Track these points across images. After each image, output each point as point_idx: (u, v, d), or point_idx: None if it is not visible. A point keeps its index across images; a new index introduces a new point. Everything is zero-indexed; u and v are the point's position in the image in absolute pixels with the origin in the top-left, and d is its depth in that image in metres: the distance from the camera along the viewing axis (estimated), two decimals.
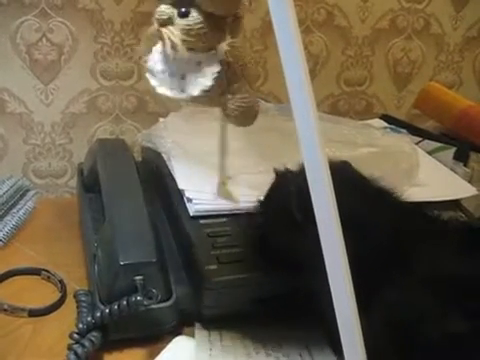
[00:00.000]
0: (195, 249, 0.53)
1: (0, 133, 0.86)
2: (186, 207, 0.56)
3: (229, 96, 0.38)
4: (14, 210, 0.70)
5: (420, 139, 0.75)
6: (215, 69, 0.37)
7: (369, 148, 0.65)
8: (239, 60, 0.37)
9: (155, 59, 0.37)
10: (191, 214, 0.55)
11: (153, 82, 0.38)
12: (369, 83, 1.02)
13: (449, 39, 1.05)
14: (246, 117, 0.40)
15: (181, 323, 0.52)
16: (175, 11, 0.37)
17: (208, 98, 0.38)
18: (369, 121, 0.83)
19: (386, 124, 0.81)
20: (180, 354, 0.48)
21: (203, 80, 0.37)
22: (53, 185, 0.91)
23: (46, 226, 0.72)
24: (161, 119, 0.74)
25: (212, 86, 0.37)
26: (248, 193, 0.57)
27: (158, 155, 0.62)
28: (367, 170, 0.62)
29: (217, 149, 0.51)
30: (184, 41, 0.36)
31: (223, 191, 0.48)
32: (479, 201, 0.70)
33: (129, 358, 0.51)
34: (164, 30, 0.36)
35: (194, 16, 0.37)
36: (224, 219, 0.56)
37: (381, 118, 0.84)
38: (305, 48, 0.94)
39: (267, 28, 0.89)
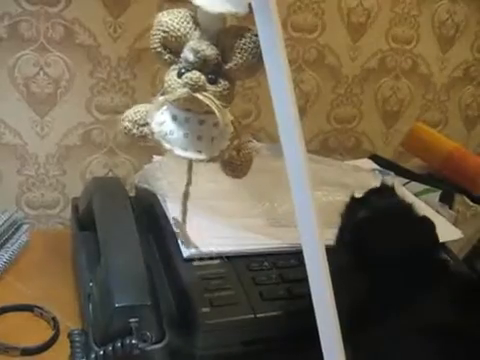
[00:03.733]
0: (188, 292, 0.54)
1: None
2: (180, 249, 0.57)
3: (234, 152, 0.40)
4: (8, 245, 0.71)
5: (407, 181, 0.77)
6: (230, 129, 0.38)
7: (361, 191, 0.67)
8: (237, 119, 0.39)
9: (162, 121, 0.38)
10: (184, 256, 0.57)
11: (166, 145, 0.39)
12: (358, 121, 1.05)
13: (436, 79, 1.09)
14: (246, 171, 0.42)
15: None
16: (204, 77, 0.37)
17: (221, 156, 0.39)
18: (358, 161, 0.85)
19: (375, 165, 0.84)
20: None
21: (221, 141, 0.39)
22: (45, 216, 0.92)
23: (39, 260, 0.73)
24: (155, 156, 0.75)
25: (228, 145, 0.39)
26: (244, 236, 0.59)
27: (153, 195, 0.64)
28: None
29: (212, 192, 0.53)
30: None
31: (183, 235, 0.49)
32: (464, 243, 0.73)
33: None
34: (202, 96, 0.37)
35: (222, 82, 0.38)
36: (217, 261, 0.58)
37: (370, 158, 0.86)
38: (296, 86, 0.98)
39: (134, 56, 0.89)
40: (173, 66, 0.39)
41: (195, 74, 0.37)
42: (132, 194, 0.75)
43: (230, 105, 0.38)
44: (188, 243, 0.49)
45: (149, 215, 0.65)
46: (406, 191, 0.74)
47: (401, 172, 0.80)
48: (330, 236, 0.62)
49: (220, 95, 0.38)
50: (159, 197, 0.64)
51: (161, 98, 0.39)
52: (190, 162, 0.43)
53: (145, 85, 0.90)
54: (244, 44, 0.37)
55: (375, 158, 0.86)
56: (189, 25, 0.38)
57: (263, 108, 0.95)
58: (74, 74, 0.87)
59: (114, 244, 0.56)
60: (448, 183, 0.77)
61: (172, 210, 0.61)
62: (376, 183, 0.73)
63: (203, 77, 0.37)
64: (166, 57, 0.39)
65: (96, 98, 0.89)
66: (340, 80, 1.01)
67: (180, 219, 0.46)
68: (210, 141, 0.39)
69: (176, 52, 0.39)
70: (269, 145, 0.79)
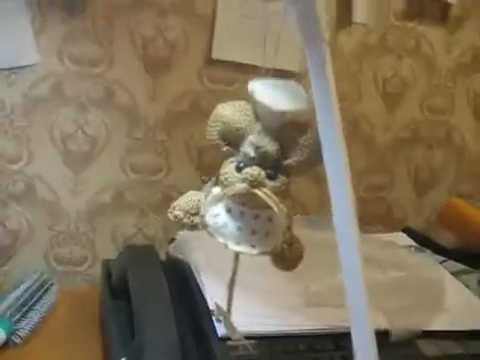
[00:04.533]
0: None
1: (27, 217, 0.88)
2: (215, 328, 0.56)
3: (285, 246, 0.39)
4: (37, 306, 0.70)
5: (444, 259, 0.75)
6: (284, 224, 0.37)
7: (396, 271, 0.65)
8: (289, 211, 0.39)
9: (216, 213, 0.38)
10: (219, 335, 0.55)
11: (220, 239, 0.38)
12: (390, 189, 1.04)
13: (470, 149, 1.08)
14: (298, 263, 0.41)
15: None
16: (264, 173, 0.37)
17: (273, 250, 0.38)
18: (392, 235, 0.84)
19: (408, 238, 0.82)
20: None
21: (275, 236, 0.38)
22: (72, 272, 0.91)
23: (65, 323, 0.72)
24: None
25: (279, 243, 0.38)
26: (280, 315, 0.57)
27: (187, 267, 0.63)
28: (394, 294, 0.63)
29: (245, 265, 0.52)
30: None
31: (227, 324, 0.47)
32: None
33: None
34: (262, 193, 0.36)
35: (280, 178, 0.37)
36: (253, 341, 0.56)
37: (403, 231, 0.84)
38: None
39: (171, 118, 0.89)
40: (231, 158, 0.38)
41: (255, 170, 0.36)
42: (162, 258, 0.74)
43: (286, 201, 0.38)
44: (233, 333, 0.47)
45: (182, 287, 0.63)
46: (443, 270, 0.72)
47: (438, 249, 0.78)
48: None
49: (278, 191, 0.37)
50: (193, 269, 0.63)
51: (218, 192, 0.38)
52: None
53: (180, 148, 0.90)
54: (305, 140, 0.37)
55: (409, 232, 0.84)
56: (249, 118, 0.38)
57: (174, 163, 0.91)
58: (111, 133, 0.87)
59: (149, 322, 0.54)
60: None
61: (206, 282, 0.60)
62: (411, 260, 0.71)
63: (263, 173, 0.36)
64: (224, 149, 0.38)
65: (131, 157, 0.89)
66: (372, 149, 1.01)
67: (224, 307, 0.45)
68: (265, 236, 0.38)
69: (235, 145, 0.38)
70: (301, 217, 0.78)
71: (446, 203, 0.89)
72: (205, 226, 0.38)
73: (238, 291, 0.56)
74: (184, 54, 0.87)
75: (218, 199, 0.37)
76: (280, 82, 0.37)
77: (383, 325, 0.60)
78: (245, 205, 0.37)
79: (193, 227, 0.40)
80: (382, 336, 0.60)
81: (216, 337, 0.56)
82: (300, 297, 0.61)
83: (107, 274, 0.68)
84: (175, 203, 0.42)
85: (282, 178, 0.37)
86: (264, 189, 0.36)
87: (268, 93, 0.36)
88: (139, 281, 0.59)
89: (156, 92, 0.88)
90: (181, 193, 0.43)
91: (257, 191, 0.36)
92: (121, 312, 0.61)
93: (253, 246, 0.38)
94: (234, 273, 0.42)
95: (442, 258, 0.76)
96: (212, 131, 0.38)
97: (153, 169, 0.90)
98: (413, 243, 0.81)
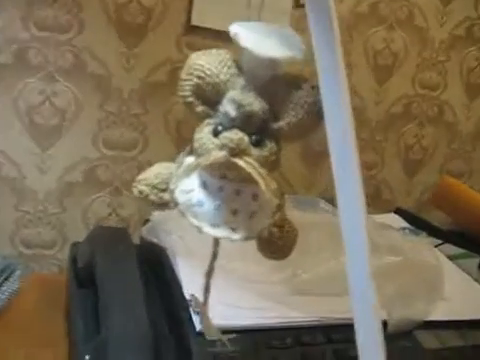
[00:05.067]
0: None
1: None
2: (192, 321, 0.48)
3: (275, 230, 0.31)
4: None
5: (440, 242, 0.68)
6: (274, 203, 0.30)
7: (392, 256, 0.59)
8: (280, 188, 0.31)
9: (189, 188, 0.30)
10: (197, 330, 0.48)
11: (193, 220, 0.30)
12: (380, 168, 0.97)
13: (461, 127, 1.01)
14: (289, 252, 0.33)
15: None
16: (248, 139, 0.29)
17: (260, 235, 0.31)
18: (383, 216, 0.77)
19: (401, 220, 0.75)
20: None
21: (262, 218, 0.30)
22: (41, 256, 0.83)
23: (29, 313, 0.64)
24: None
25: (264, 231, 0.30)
26: (264, 306, 0.50)
27: (162, 251, 0.55)
28: (391, 282, 0.56)
29: (227, 251, 0.45)
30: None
31: (203, 319, 0.40)
32: None
33: None
34: (244, 162, 0.28)
35: (269, 145, 0.29)
36: (233, 335, 0.49)
37: (396, 212, 0.78)
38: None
39: (147, 89, 0.81)
40: (207, 120, 0.30)
41: (237, 134, 0.28)
42: (137, 242, 0.66)
43: (276, 171, 0.30)
44: (208, 329, 0.40)
45: (157, 274, 0.56)
46: (440, 254, 0.65)
47: (432, 231, 0.71)
48: None
49: (265, 161, 0.29)
50: (168, 254, 0.55)
51: (191, 161, 0.30)
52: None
53: (157, 122, 0.82)
54: (300, 98, 0.29)
55: (401, 212, 0.78)
56: (231, 70, 0.29)
57: (151, 139, 0.83)
58: (81, 106, 0.79)
59: (116, 312, 0.47)
60: None
61: (183, 269, 0.53)
62: (406, 244, 0.64)
63: (246, 138, 0.28)
64: (199, 109, 0.30)
65: (103, 132, 0.81)
66: (363, 124, 0.93)
67: (201, 298, 0.37)
68: (248, 217, 0.30)
69: (212, 103, 0.30)
70: (289, 197, 0.70)
71: (439, 183, 0.82)
72: (175, 204, 0.30)
73: (217, 279, 0.49)
74: (161, 20, 0.79)
75: (191, 170, 0.29)
76: (271, 26, 0.29)
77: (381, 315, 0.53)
78: (224, 178, 0.29)
79: (162, 206, 0.32)
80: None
81: (193, 331, 0.48)
82: (286, 285, 0.54)
83: (74, 259, 0.60)
84: (140, 176, 0.34)
85: (271, 145, 0.29)
86: (248, 158, 0.28)
87: (255, 38, 0.28)
88: (107, 267, 0.51)
89: (131, 61, 0.80)
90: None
91: (239, 161, 0.28)
92: (88, 302, 0.53)
93: (234, 229, 0.30)
94: (213, 260, 0.35)
95: (438, 241, 0.69)
96: (184, 86, 0.30)
97: (128, 145, 0.82)
98: (406, 224, 0.74)
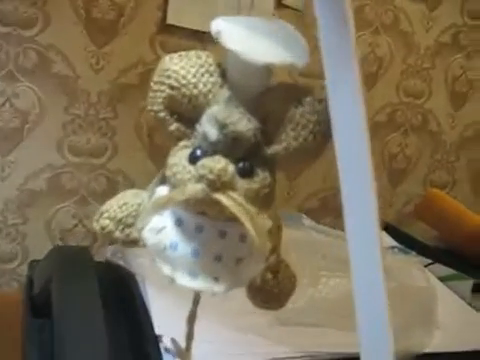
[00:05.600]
0: None
1: None
2: (162, 359, 0.42)
3: (269, 276, 0.24)
4: None
5: (430, 262, 0.63)
6: (267, 248, 0.23)
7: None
8: (278, 225, 0.24)
9: (160, 226, 0.23)
10: None
11: (164, 267, 0.23)
12: None
13: (446, 137, 0.97)
14: (286, 300, 0.27)
15: None
16: (233, 168, 0.22)
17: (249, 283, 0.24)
18: None
19: (390, 238, 0.70)
20: None
21: (252, 264, 0.23)
22: None
23: None
24: None
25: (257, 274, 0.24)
26: (249, 340, 0.44)
27: (130, 276, 0.48)
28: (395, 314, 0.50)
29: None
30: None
31: None
32: None
33: None
34: (227, 199, 0.21)
35: (260, 175, 0.22)
36: None
37: (385, 229, 0.72)
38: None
39: (117, 92, 0.74)
40: (183, 142, 0.23)
41: (219, 162, 0.21)
42: (102, 259, 0.59)
43: (270, 209, 0.23)
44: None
45: (123, 300, 0.49)
46: (432, 277, 0.60)
47: (421, 249, 0.66)
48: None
49: (255, 195, 0.22)
50: (137, 279, 0.48)
51: (163, 193, 0.23)
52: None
53: (128, 127, 0.75)
54: (302, 115, 0.22)
55: (390, 230, 0.72)
56: (212, 79, 0.23)
57: (121, 145, 0.75)
58: (45, 108, 0.71)
59: (73, 347, 0.40)
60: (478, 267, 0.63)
61: (153, 299, 0.46)
62: (398, 267, 0.59)
63: (231, 167, 0.21)
64: (173, 127, 0.23)
65: (69, 138, 0.73)
66: None
67: (181, 344, 0.30)
68: (234, 264, 0.23)
69: (189, 120, 0.23)
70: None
71: (425, 194, 0.77)
72: (144, 244, 0.24)
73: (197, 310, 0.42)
74: (133, 17, 0.72)
75: (161, 206, 0.23)
76: (263, 22, 0.22)
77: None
78: (204, 216, 0.23)
79: (129, 244, 0.26)
80: None
81: None
82: (265, 315, 0.48)
83: (30, 283, 0.53)
84: (103, 207, 0.27)
85: (263, 175, 0.23)
86: (232, 193, 0.21)
87: (243, 37, 0.21)
88: (64, 297, 0.44)
89: (100, 61, 0.73)
90: (129, 180, 0.28)
91: (221, 197, 0.21)
92: (44, 337, 0.46)
93: (216, 279, 0.23)
94: (195, 304, 0.28)
95: (427, 260, 0.64)
96: (155, 98, 0.23)
97: (96, 151, 0.75)
98: (394, 242, 0.68)
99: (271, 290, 0.25)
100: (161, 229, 0.23)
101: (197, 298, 0.29)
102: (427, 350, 0.50)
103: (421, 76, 0.92)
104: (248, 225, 0.21)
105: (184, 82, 0.22)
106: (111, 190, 0.76)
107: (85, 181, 0.75)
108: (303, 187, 0.86)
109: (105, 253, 0.54)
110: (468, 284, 0.60)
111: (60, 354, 0.41)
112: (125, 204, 0.26)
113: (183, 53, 0.23)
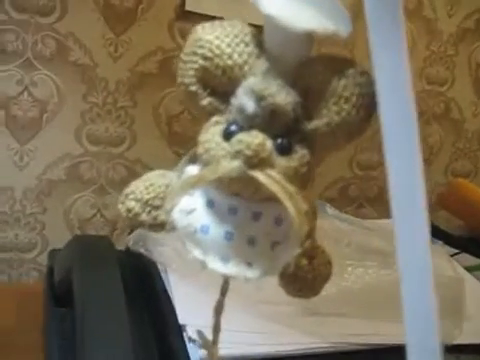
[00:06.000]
0: None
1: None
2: (186, 349, 0.40)
3: (304, 261, 0.23)
4: None
5: (456, 251, 0.61)
6: (303, 229, 0.21)
7: None
8: (314, 208, 0.23)
9: (191, 208, 0.21)
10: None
11: (195, 251, 0.21)
12: (383, 168, 0.89)
13: (468, 125, 0.94)
14: (321, 287, 0.25)
15: None
16: (271, 143, 0.20)
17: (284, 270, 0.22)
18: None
19: None
20: None
21: (288, 248, 0.21)
22: (18, 260, 0.75)
23: (8, 330, 0.56)
24: None
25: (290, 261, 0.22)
26: (272, 330, 0.43)
27: (152, 265, 0.47)
28: None
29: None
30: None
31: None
32: None
33: None
34: (265, 177, 0.20)
35: (299, 152, 0.21)
36: None
37: None
38: None
39: (136, 80, 0.72)
40: (216, 118, 0.22)
41: (256, 137, 0.20)
42: (123, 248, 0.58)
43: (306, 189, 0.21)
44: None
45: (145, 290, 0.48)
46: (458, 267, 0.58)
47: (447, 239, 0.64)
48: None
49: (295, 174, 0.20)
50: (160, 268, 0.47)
51: (193, 172, 0.22)
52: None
53: (147, 116, 0.74)
54: (345, 88, 0.20)
55: None
56: (249, 49, 0.21)
57: (139, 134, 0.74)
58: (64, 97, 0.70)
59: (95, 337, 0.39)
60: None
61: (176, 289, 0.45)
62: None
63: (269, 143, 0.20)
64: (205, 101, 0.21)
65: (88, 126, 0.72)
66: None
67: (210, 336, 0.29)
68: (269, 248, 0.21)
69: (223, 94, 0.21)
70: None
71: (448, 183, 0.75)
72: (173, 227, 0.22)
73: (214, 299, 0.41)
74: (152, 4, 0.71)
75: (192, 185, 0.21)
76: None
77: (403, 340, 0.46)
78: (238, 196, 0.21)
79: (157, 227, 0.24)
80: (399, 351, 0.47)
81: None
82: (299, 305, 0.46)
83: (51, 271, 0.52)
84: (129, 188, 0.26)
85: (302, 152, 0.21)
86: (270, 171, 0.20)
87: (282, 2, 0.20)
88: (86, 286, 0.43)
89: (118, 49, 0.71)
90: (147, 169, 0.27)
91: (258, 174, 0.20)
92: (65, 326, 0.45)
93: (249, 264, 0.21)
94: (223, 294, 0.26)
95: (453, 250, 0.62)
96: (186, 70, 0.22)
97: (114, 140, 0.74)
98: None
99: (305, 276, 0.23)
100: (191, 211, 0.21)
101: (225, 287, 0.27)
102: (456, 342, 0.48)
103: (444, 63, 0.89)
104: (288, 204, 0.19)
105: (218, 52, 0.21)
106: (130, 179, 0.74)
107: (104, 170, 0.74)
108: (325, 175, 0.85)
109: (126, 242, 0.53)
110: None
111: (81, 343, 0.40)
112: (152, 185, 0.24)
113: (217, 22, 0.22)
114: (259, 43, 0.21)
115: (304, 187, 0.21)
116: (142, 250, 0.49)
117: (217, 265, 0.21)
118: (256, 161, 0.19)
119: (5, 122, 0.69)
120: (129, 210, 0.24)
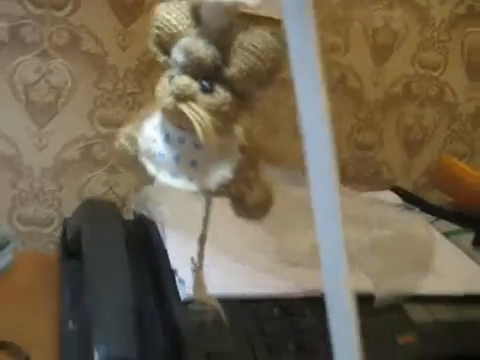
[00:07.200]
0: (184, 342, 0.45)
1: None
2: (177, 290, 0.48)
3: (245, 188, 0.30)
4: None
5: (434, 218, 0.67)
6: (235, 157, 0.29)
7: (384, 230, 0.58)
8: (255, 144, 0.30)
9: (154, 138, 0.29)
10: (182, 298, 0.47)
11: (151, 168, 0.30)
12: (378, 148, 0.96)
13: (462, 109, 0.99)
14: (263, 212, 0.32)
15: None
16: (196, 85, 0.28)
17: (224, 191, 0.30)
18: (380, 193, 0.76)
19: (397, 197, 0.74)
20: None
21: (222, 171, 0.29)
22: (37, 234, 0.83)
23: (22, 286, 0.64)
24: None
25: (231, 178, 0.30)
26: (252, 275, 0.50)
27: (152, 224, 0.55)
28: (380, 255, 0.55)
29: (215, 220, 0.44)
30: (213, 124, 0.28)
31: (198, 290, 0.39)
32: None
33: None
34: (187, 107, 0.28)
35: (221, 93, 0.28)
36: (220, 306, 0.48)
37: (392, 190, 0.77)
38: None
39: (143, 69, 0.80)
40: (168, 71, 0.30)
41: (183, 80, 0.28)
42: (130, 217, 0.66)
43: (232, 124, 0.29)
44: (201, 294, 0.39)
45: (145, 245, 0.55)
46: (434, 229, 0.64)
47: (428, 208, 0.70)
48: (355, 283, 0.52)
49: (217, 109, 0.28)
50: (158, 225, 0.54)
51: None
52: (208, 199, 0.33)
53: (153, 101, 0.81)
54: (250, 42, 0.28)
55: (397, 190, 0.77)
56: (188, 21, 0.29)
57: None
58: (77, 83, 0.78)
59: (101, 282, 0.46)
60: None
61: (171, 241, 0.52)
62: (399, 219, 0.63)
63: (194, 84, 0.28)
64: (161, 59, 0.30)
65: (99, 110, 0.80)
66: (361, 104, 0.92)
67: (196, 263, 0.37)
68: (206, 170, 0.29)
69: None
70: (284, 171, 0.69)
71: (439, 161, 0.81)
72: (138, 150, 0.30)
73: (213, 252, 0.48)
74: None
75: (147, 114, 0.29)
76: None
77: (366, 288, 0.52)
78: (184, 130, 0.29)
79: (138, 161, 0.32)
80: (366, 300, 0.53)
81: (178, 301, 0.48)
82: (276, 255, 0.53)
83: (65, 232, 0.60)
84: (122, 129, 0.33)
85: (224, 94, 0.29)
86: (192, 104, 0.28)
87: None
88: (92, 237, 0.50)
89: (126, 40, 0.79)
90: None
91: (183, 106, 0.28)
92: (75, 272, 0.52)
93: (191, 180, 0.29)
94: (204, 226, 0.34)
95: (433, 217, 0.68)
96: (150, 38, 0.30)
97: (124, 123, 0.81)
98: (402, 202, 0.73)
99: (247, 202, 0.31)
100: (154, 141, 0.29)
101: (206, 219, 0.34)
102: (421, 292, 0.54)
103: (437, 48, 0.95)
104: (197, 126, 0.27)
105: (166, 24, 0.29)
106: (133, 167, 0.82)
107: (114, 151, 0.82)
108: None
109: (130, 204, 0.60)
110: (469, 237, 0.63)
111: (88, 286, 0.48)
112: (140, 124, 0.32)
113: (171, 1, 0.29)
114: (197, 16, 0.29)
115: (228, 121, 0.28)
116: (143, 211, 0.56)
117: (167, 179, 0.29)
118: (183, 97, 0.27)
119: (25, 107, 0.77)
120: (120, 145, 0.32)
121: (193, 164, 0.29)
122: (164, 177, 0.29)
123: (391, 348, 0.50)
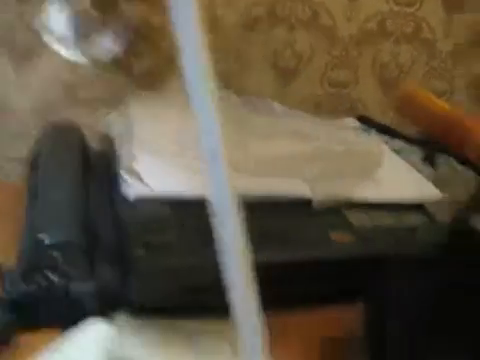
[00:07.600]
0: (126, 234, 0.49)
1: None
2: (126, 190, 0.53)
3: (134, 60, 0.34)
4: None
5: (388, 138, 0.70)
6: (123, 31, 0.33)
7: (333, 145, 0.61)
8: (145, 20, 0.34)
9: (52, 12, 0.33)
10: (129, 198, 0.52)
11: (47, 38, 0.34)
12: (354, 86, 0.98)
13: (441, 45, 1.00)
14: (152, 81, 0.36)
15: (104, 309, 0.49)
16: None
17: (112, 63, 0.34)
18: (343, 119, 0.79)
19: (359, 123, 0.77)
20: (92, 337, 0.45)
21: (110, 44, 0.33)
22: None
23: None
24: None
25: (120, 50, 0.34)
26: (192, 178, 0.54)
27: (111, 140, 0.60)
28: (320, 163, 0.59)
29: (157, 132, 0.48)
30: None
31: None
32: (445, 206, 0.65)
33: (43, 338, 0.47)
34: None
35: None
36: (166, 207, 0.53)
37: (358, 119, 0.80)
38: (289, 46, 0.92)
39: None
40: None
41: None
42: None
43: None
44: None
45: (103, 159, 0.60)
46: (385, 146, 0.68)
47: (384, 130, 0.73)
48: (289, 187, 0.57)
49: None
50: (116, 141, 0.60)
51: None
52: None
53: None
54: None
55: (362, 119, 0.80)
56: None
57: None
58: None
59: (52, 182, 0.52)
60: (434, 144, 0.70)
61: (123, 151, 0.57)
62: (350, 136, 0.67)
63: None
64: None
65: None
66: (335, 41, 0.95)
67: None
68: (100, 43, 0.33)
69: None
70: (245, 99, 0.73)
71: (404, 91, 0.83)
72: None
73: (151, 155, 0.53)
74: None
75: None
76: None
77: (303, 193, 0.56)
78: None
79: None
80: (304, 205, 0.57)
81: (126, 200, 0.52)
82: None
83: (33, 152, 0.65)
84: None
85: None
86: None
87: None
88: (51, 151, 0.56)
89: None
90: None
91: None
92: (34, 181, 0.58)
93: (84, 52, 0.34)
94: None
95: (387, 137, 0.71)
96: None
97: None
98: (360, 125, 0.76)
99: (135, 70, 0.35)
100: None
101: None
102: (360, 197, 0.58)
103: None
104: None
105: None
106: None
107: None
108: (299, 90, 0.94)
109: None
110: (419, 153, 0.66)
111: (41, 192, 0.53)
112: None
113: None
114: None
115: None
116: (107, 131, 0.61)
117: (61, 49, 0.33)
118: None
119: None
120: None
121: (86, 36, 0.33)
122: (59, 48, 0.33)
123: (324, 245, 0.53)
